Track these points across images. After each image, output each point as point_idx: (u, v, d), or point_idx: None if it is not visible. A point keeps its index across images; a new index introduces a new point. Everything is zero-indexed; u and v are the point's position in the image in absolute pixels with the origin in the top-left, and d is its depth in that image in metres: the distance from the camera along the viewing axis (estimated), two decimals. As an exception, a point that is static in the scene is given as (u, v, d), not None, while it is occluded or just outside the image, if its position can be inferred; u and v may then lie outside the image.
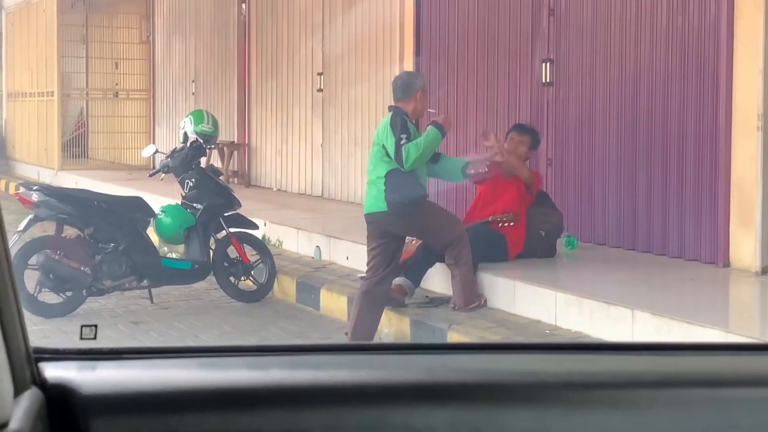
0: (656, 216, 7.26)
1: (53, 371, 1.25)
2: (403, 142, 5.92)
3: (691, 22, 6.95)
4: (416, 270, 6.51)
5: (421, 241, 6.54)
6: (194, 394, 1.27)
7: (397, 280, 6.38)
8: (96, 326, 1.36)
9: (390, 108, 6.21)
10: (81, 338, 1.35)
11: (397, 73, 10.06)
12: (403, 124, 5.99)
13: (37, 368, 1.24)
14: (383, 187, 6.00)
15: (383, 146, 6.01)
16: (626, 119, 7.52)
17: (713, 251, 6.79)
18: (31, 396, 1.18)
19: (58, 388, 1.23)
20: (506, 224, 6.65)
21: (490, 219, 6.67)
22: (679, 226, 7.07)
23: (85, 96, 18.04)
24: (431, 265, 6.60)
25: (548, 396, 1.34)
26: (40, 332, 6.55)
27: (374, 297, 6.03)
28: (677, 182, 7.10)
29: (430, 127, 6.12)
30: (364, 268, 6.37)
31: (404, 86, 6.13)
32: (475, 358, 1.45)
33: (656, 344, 1.92)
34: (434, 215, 6.27)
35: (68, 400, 1.22)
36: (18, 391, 1.16)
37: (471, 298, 6.23)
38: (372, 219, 6.12)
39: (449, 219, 6.43)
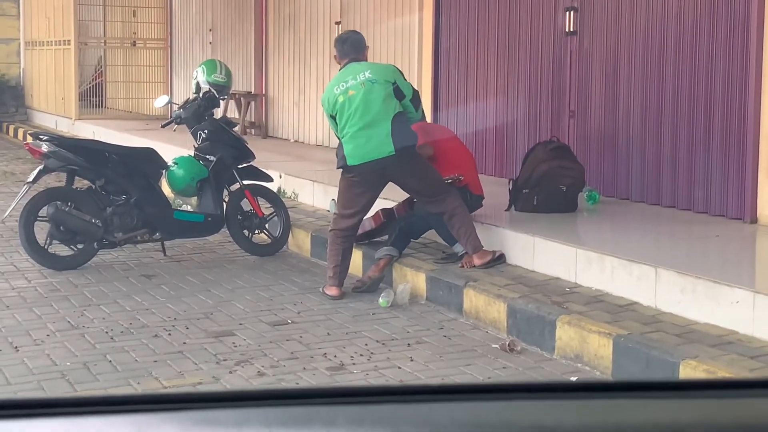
0: (682, 170, 7.04)
1: None
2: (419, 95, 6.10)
3: (721, -32, 6.68)
4: (400, 240, 6.38)
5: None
6: None
7: (384, 250, 6.29)
8: None
9: (346, 63, 6.06)
10: None
11: (416, 22, 9.85)
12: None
13: None
14: (389, 129, 5.78)
15: (394, 82, 5.90)
16: (652, 69, 7.27)
17: (740, 206, 6.58)
18: None
19: None
20: (457, 182, 6.36)
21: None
22: (705, 180, 6.86)
23: (102, 45, 17.86)
24: (415, 236, 6.52)
25: None
26: (49, 285, 6.45)
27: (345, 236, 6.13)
28: (704, 134, 6.86)
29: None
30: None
31: (357, 44, 6.16)
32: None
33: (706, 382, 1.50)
34: (426, 161, 6.11)
35: None
36: None
37: (479, 244, 6.06)
38: (374, 166, 5.80)
39: (434, 169, 6.18)
